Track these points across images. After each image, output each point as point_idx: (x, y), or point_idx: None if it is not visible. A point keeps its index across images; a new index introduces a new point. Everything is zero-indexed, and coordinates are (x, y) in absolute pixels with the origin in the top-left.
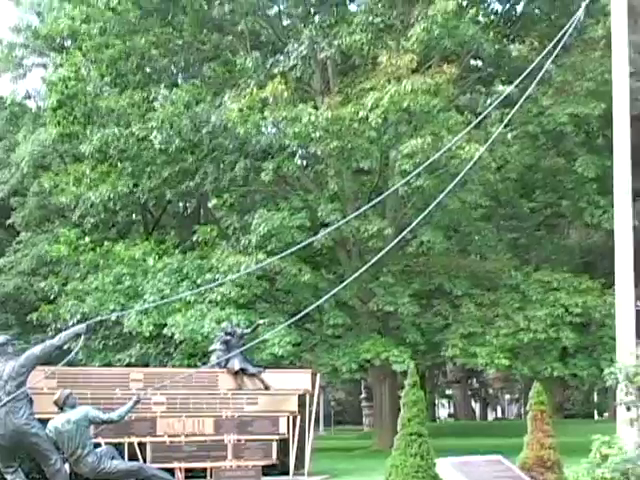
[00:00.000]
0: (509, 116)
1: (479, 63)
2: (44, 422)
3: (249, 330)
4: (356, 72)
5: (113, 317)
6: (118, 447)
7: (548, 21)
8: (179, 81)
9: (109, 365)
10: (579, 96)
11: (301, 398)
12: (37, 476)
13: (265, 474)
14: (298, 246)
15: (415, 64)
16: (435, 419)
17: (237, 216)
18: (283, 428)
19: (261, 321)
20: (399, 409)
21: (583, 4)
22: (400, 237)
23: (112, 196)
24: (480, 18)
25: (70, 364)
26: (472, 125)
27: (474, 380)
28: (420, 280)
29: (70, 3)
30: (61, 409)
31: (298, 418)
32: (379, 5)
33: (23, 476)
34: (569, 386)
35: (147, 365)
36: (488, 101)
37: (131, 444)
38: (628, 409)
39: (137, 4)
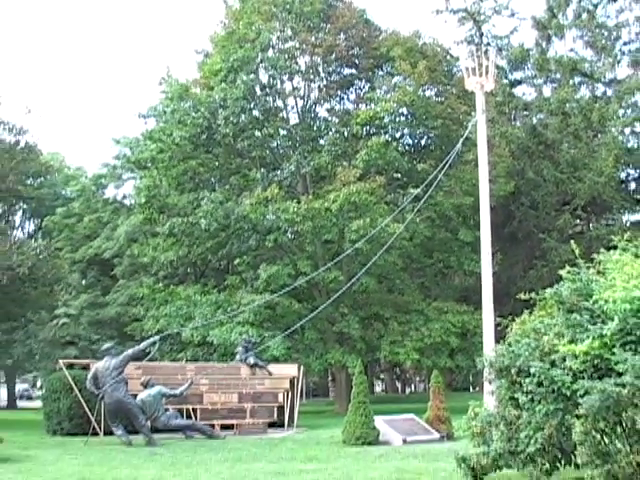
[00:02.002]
0: (417, 207)
1: (399, 175)
2: (135, 396)
3: (259, 339)
4: (323, 181)
5: (175, 332)
6: (180, 411)
7: (440, 149)
8: (216, 187)
9: (174, 361)
10: (458, 194)
11: (291, 381)
12: (130, 429)
13: (270, 427)
14: (288, 288)
15: (359, 175)
16: (373, 393)
17: (252, 270)
18: (280, 399)
19: (266, 334)
20: (351, 387)
21: (460, 140)
22: (350, 283)
23: (175, 258)
24: (399, 148)
25: (150, 360)
26: (395, 213)
27: (397, 368)
28: (363, 309)
29: (150, 140)
30: (145, 387)
31: (289, 393)
32: (337, 140)
33: (122, 428)
34: (455, 371)
35: (197, 360)
36: (404, 198)
37: (187, 409)
38: (490, 383)
39: (191, 140)
